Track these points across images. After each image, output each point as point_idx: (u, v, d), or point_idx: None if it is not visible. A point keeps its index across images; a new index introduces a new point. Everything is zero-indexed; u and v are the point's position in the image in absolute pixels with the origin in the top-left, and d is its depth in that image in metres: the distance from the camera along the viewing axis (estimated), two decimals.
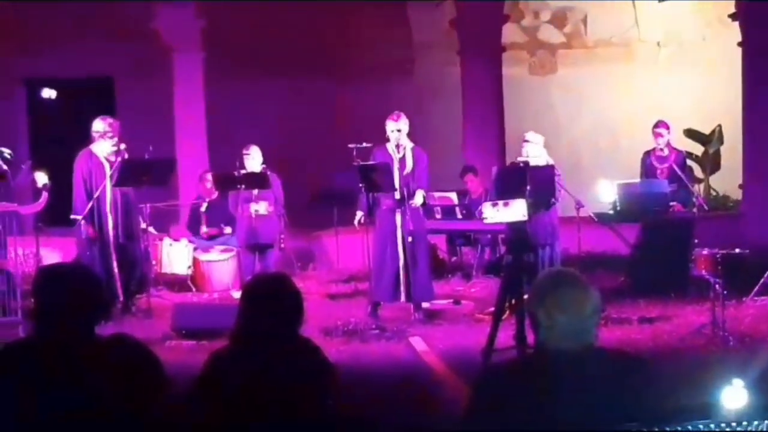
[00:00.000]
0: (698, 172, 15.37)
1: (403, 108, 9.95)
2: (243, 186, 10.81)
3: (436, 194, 12.17)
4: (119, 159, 9.82)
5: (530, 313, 3.14)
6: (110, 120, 10.08)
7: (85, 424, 3.31)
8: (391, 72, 16.08)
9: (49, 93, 16.47)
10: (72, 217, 9.78)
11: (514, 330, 7.12)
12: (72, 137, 11.25)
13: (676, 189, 10.63)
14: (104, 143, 9.85)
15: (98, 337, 3.51)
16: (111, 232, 9.81)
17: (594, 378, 3.05)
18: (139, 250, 10.20)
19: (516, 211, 7.64)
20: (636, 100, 16.00)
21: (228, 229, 12.07)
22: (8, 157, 9.63)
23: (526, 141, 9.91)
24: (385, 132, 9.67)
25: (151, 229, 10.94)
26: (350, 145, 9.86)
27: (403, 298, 9.61)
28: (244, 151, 10.98)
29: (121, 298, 9.80)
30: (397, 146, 9.60)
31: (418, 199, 9.63)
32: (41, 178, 9.74)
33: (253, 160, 10.96)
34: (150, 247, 11.08)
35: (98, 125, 9.93)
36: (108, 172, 9.80)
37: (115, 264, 9.75)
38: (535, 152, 9.82)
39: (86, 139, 10.03)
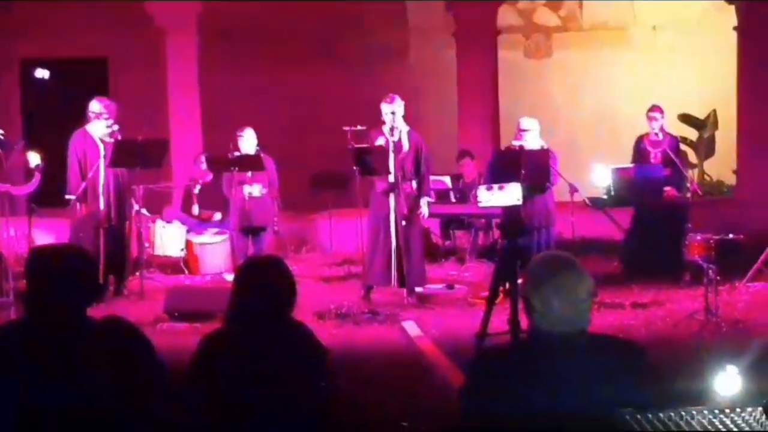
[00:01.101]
0: (693, 157, 15.38)
1: (397, 91, 9.91)
2: (236, 168, 10.78)
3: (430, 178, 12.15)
4: (113, 140, 9.80)
5: (524, 297, 3.13)
6: (107, 102, 10.07)
7: (76, 406, 3.30)
8: (387, 55, 16.02)
9: (42, 73, 16.38)
10: (66, 197, 9.75)
11: (507, 314, 7.11)
12: (65, 118, 11.21)
13: (670, 174, 10.62)
14: (99, 124, 9.85)
15: (90, 319, 3.49)
16: (102, 213, 9.79)
17: (587, 363, 3.04)
18: (129, 232, 10.18)
19: (511, 194, 7.64)
20: (631, 83, 15.97)
21: (218, 215, 12.04)
22: (1, 137, 9.60)
23: (525, 130, 9.90)
24: (379, 115, 9.64)
25: (144, 211, 10.91)
26: (345, 128, 9.83)
27: (394, 282, 9.59)
28: (238, 133, 10.95)
29: (101, 281, 9.70)
30: (392, 129, 9.57)
31: (425, 210, 9.73)
32: (34, 158, 9.73)
33: (248, 142, 10.93)
34: (143, 229, 11.06)
35: (95, 106, 9.92)
36: (102, 152, 9.79)
37: (101, 246, 9.70)
38: (533, 138, 9.85)
39: (79, 119, 10.02)
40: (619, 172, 10.64)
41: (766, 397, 2.91)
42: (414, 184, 9.70)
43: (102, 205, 9.80)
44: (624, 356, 3.12)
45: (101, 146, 9.81)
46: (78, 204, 9.69)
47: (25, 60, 16.19)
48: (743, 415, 2.83)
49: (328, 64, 15.71)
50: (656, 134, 10.79)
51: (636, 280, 9.98)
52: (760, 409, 2.84)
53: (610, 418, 2.84)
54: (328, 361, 3.93)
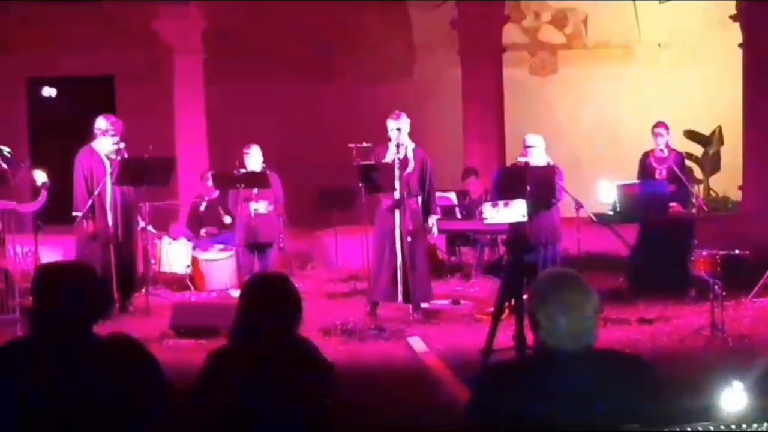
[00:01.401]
0: (698, 173, 15.38)
1: (403, 108, 9.94)
2: (242, 185, 10.80)
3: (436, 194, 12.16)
4: (119, 157, 9.83)
5: (530, 313, 3.13)
6: (113, 119, 10.10)
7: (82, 424, 3.30)
8: (392, 72, 16.07)
9: (49, 91, 16.46)
10: (73, 213, 9.78)
11: (513, 330, 7.11)
12: (72, 136, 11.26)
13: (675, 190, 10.62)
14: (105, 141, 9.87)
15: (96, 337, 3.49)
16: (111, 230, 9.81)
17: (594, 379, 3.04)
18: (135, 249, 10.20)
19: (516, 211, 7.65)
20: (636, 100, 15.99)
21: (227, 219, 12.03)
22: (8, 155, 9.64)
23: (530, 146, 9.91)
24: (385, 132, 9.66)
25: (150, 227, 10.93)
26: (350, 145, 9.85)
27: (400, 298, 9.58)
28: (245, 150, 10.98)
29: (115, 297, 9.77)
30: (398, 146, 9.59)
31: (435, 229, 9.84)
32: (40, 176, 9.76)
33: (254, 159, 10.96)
34: (149, 246, 11.06)
35: (101, 123, 9.95)
36: (108, 169, 9.81)
37: (113, 263, 9.72)
38: (539, 155, 9.87)
39: (86, 138, 10.05)
40: (625, 188, 10.63)
41: None
42: (419, 200, 9.71)
43: (110, 222, 9.82)
44: (630, 371, 3.12)
45: (107, 163, 9.84)
46: (84, 221, 9.70)
47: (31, 78, 16.27)
48: (749, 430, 2.83)
49: (333, 80, 15.77)
50: (661, 150, 10.79)
51: (642, 295, 9.96)
52: (766, 425, 2.84)
53: None
54: (334, 377, 3.93)
